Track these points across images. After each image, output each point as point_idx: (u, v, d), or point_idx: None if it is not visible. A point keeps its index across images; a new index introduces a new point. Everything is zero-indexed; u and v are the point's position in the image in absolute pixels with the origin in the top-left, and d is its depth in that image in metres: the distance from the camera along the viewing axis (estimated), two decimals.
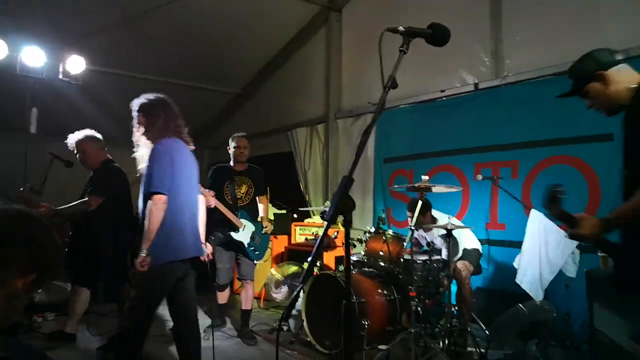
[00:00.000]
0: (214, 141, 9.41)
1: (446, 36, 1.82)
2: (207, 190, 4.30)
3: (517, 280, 3.84)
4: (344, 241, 4.93)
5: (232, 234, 4.49)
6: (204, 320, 5.07)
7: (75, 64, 5.50)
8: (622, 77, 2.08)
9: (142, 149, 3.12)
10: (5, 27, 5.31)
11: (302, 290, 4.33)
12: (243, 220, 4.57)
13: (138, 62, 6.94)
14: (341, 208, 1.60)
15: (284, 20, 7.02)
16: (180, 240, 2.98)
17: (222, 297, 4.80)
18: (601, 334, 3.23)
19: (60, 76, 5.41)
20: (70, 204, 4.12)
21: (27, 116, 5.01)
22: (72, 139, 4.24)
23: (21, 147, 4.84)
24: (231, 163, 4.76)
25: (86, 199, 4.12)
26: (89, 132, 4.29)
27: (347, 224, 1.68)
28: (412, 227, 3.91)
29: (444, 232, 3.86)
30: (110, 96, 6.24)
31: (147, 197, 2.89)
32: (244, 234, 4.54)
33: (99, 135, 4.32)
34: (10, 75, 5.26)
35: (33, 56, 5.21)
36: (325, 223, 1.59)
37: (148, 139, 3.09)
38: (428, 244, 4.55)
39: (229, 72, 7.88)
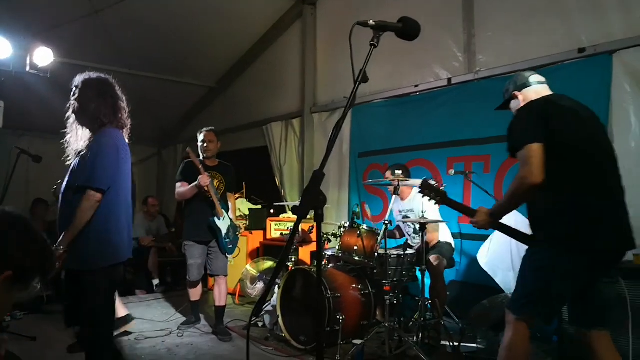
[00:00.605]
0: (188, 135, 9.30)
1: (416, 30, 1.82)
2: (201, 168, 4.37)
3: (482, 263, 3.90)
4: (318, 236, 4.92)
5: (215, 219, 4.45)
6: (178, 318, 5.05)
7: (43, 56, 5.34)
8: (529, 96, 2.64)
9: (79, 132, 2.79)
10: None
11: (277, 286, 4.32)
12: (224, 212, 4.54)
13: (108, 55, 6.78)
14: (312, 203, 1.60)
15: (258, 14, 6.95)
16: (119, 241, 2.73)
17: (195, 293, 4.75)
18: (569, 327, 3.30)
19: (28, 68, 5.24)
20: None
21: None
22: None
23: None
24: (201, 158, 4.68)
25: None
26: None
27: (319, 219, 1.68)
28: (386, 222, 3.93)
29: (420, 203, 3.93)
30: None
31: (78, 189, 2.59)
32: (222, 223, 4.51)
33: None
34: None
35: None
36: (296, 218, 1.58)
37: (90, 122, 2.75)
38: (405, 217, 4.59)
39: (202, 65, 7.78)
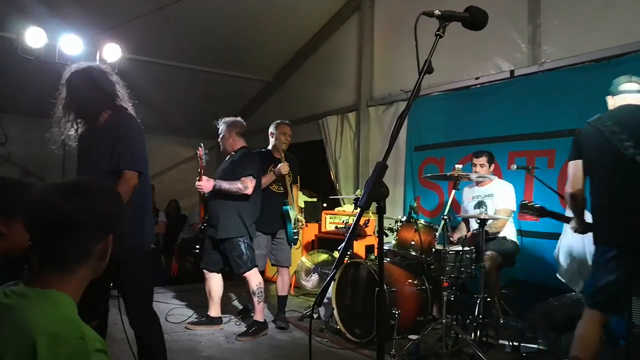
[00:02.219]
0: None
1: (484, 20, 1.78)
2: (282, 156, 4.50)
3: (558, 274, 3.76)
4: (374, 230, 4.96)
5: (289, 208, 4.53)
6: (237, 306, 5.18)
7: (112, 52, 5.61)
8: (618, 101, 2.91)
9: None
10: (44, 15, 5.43)
11: (333, 279, 4.35)
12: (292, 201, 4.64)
13: (170, 51, 7.01)
14: (375, 194, 1.59)
15: (315, 7, 6.98)
16: (151, 226, 2.81)
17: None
18: (639, 329, 3.14)
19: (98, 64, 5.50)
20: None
21: None
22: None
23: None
24: (269, 149, 4.73)
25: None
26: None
27: (380, 211, 1.67)
28: (445, 217, 3.86)
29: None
30: (145, 84, 6.35)
31: (110, 173, 2.55)
32: (292, 213, 4.60)
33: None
34: (49, 63, 5.40)
35: (71, 44, 5.35)
36: (358, 210, 1.58)
37: (91, 113, 2.70)
38: (480, 203, 4.46)
39: (259, 60, 7.89)
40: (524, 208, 3.24)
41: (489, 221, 4.12)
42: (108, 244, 1.35)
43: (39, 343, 1.08)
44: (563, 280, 3.76)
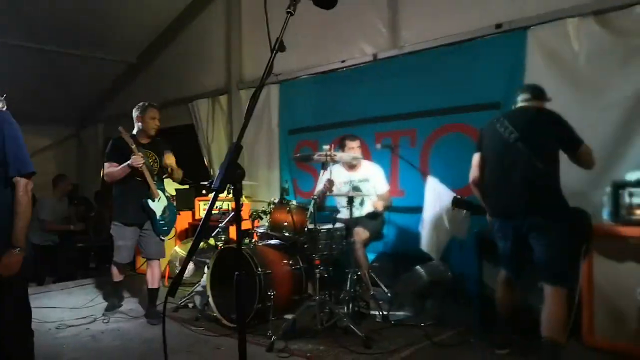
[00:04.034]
0: (109, 113, 8.84)
1: None
2: (134, 147, 4.09)
3: (421, 245, 4.02)
4: (250, 214, 4.87)
5: (149, 201, 4.26)
6: (101, 303, 4.84)
7: None
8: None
9: None
10: None
11: (206, 266, 4.24)
12: (160, 192, 4.35)
13: (13, 29, 6.26)
14: (230, 176, 1.54)
15: None
16: None
17: (117, 274, 4.53)
18: (488, 289, 3.50)
19: None
20: None
21: None
22: None
23: None
24: (134, 133, 4.37)
25: None
26: None
27: (237, 193, 1.62)
28: (315, 197, 3.94)
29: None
30: None
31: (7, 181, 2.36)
32: (157, 204, 4.32)
33: None
34: None
35: None
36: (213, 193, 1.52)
37: None
38: (355, 188, 4.45)
39: (120, 40, 7.36)
40: (457, 204, 3.73)
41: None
42: None
43: None
44: (426, 251, 4.03)
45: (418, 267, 3.96)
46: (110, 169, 4.25)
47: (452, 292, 4.04)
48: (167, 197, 4.53)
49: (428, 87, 4.71)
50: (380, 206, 4.38)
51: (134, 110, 4.41)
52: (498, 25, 4.21)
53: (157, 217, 4.33)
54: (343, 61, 5.36)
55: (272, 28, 1.69)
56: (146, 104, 4.40)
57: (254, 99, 1.64)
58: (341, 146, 4.51)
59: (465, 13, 4.48)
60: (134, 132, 4.38)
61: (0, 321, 2.39)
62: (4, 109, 2.50)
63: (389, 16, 5.06)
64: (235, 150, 1.55)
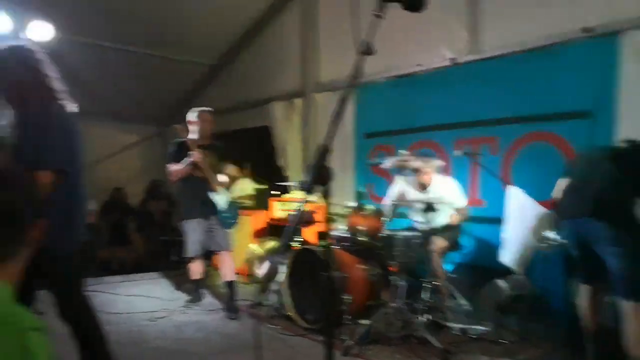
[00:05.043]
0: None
1: (422, 1, 1.78)
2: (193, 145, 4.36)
3: (500, 258, 3.90)
4: (324, 216, 4.91)
5: (210, 194, 4.47)
6: (184, 296, 5.08)
7: (42, 31, 5.25)
8: None
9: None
10: None
11: (283, 266, 4.34)
12: (221, 189, 4.54)
13: (106, 31, 6.67)
14: (319, 178, 1.57)
15: None
16: (79, 226, 2.63)
17: (195, 271, 4.76)
18: (575, 306, 3.34)
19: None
20: None
21: None
22: None
23: None
24: (193, 136, 4.58)
25: None
26: None
27: (326, 194, 1.65)
28: (393, 202, 3.93)
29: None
30: (80, 66, 6.01)
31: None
32: (219, 198, 4.52)
33: None
34: None
35: None
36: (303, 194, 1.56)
37: (12, 98, 2.48)
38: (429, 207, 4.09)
39: (203, 42, 7.62)
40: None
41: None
42: (40, 229, 1.29)
43: None
44: (507, 264, 3.90)
45: (499, 280, 3.84)
46: (173, 167, 4.52)
47: (536, 309, 3.89)
48: (227, 192, 4.70)
49: (510, 93, 4.56)
50: (456, 220, 4.30)
51: (188, 115, 4.66)
52: (587, 29, 3.99)
53: (220, 210, 4.51)
54: (420, 65, 5.29)
55: (348, 33, 1.70)
56: (200, 109, 4.69)
57: (342, 103, 1.66)
58: (416, 171, 4.38)
59: (550, 16, 4.28)
60: (193, 135, 4.59)
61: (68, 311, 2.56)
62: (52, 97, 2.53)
63: (469, 20, 4.93)
64: (323, 151, 1.58)
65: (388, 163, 4.08)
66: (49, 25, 5.26)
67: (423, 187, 4.43)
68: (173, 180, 4.65)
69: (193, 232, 4.54)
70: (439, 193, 4.37)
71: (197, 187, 4.50)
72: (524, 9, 4.48)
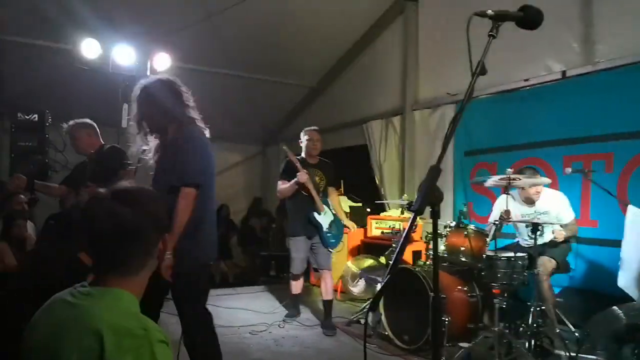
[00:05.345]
0: (290, 134, 9.55)
1: (539, 18, 1.74)
2: (299, 165, 4.51)
3: (619, 282, 3.59)
4: (422, 235, 4.87)
5: (315, 214, 4.56)
6: (282, 310, 5.22)
7: (162, 61, 5.77)
8: None
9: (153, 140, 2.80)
10: (98, 26, 5.65)
11: (379, 284, 4.32)
12: (325, 207, 4.64)
13: (217, 58, 7.17)
14: (430, 198, 1.57)
15: (359, 12, 6.97)
16: (213, 241, 2.81)
17: (296, 287, 4.89)
18: None
19: (148, 73, 5.66)
20: None
21: (120, 111, 5.34)
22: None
23: (114, 140, 5.12)
24: (303, 155, 4.80)
25: None
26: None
27: (435, 215, 1.65)
28: (495, 222, 3.77)
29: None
30: (192, 91, 6.49)
31: (171, 190, 2.58)
32: (323, 217, 4.61)
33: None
34: (103, 73, 5.62)
35: (124, 54, 5.53)
36: (411, 214, 1.56)
37: (161, 126, 2.74)
38: (535, 227, 3.79)
39: (304, 66, 7.94)
40: None
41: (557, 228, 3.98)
42: (165, 243, 1.39)
43: (105, 337, 1.12)
44: (624, 289, 3.58)
45: (615, 307, 3.51)
46: (281, 186, 4.69)
47: None
48: (333, 213, 4.76)
49: (627, 106, 4.21)
50: (561, 236, 4.01)
51: (301, 135, 4.82)
52: None
53: (324, 230, 4.60)
54: (526, 80, 5.07)
55: (452, 50, 1.68)
56: (306, 128, 4.83)
57: (454, 123, 1.65)
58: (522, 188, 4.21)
59: None
60: (303, 154, 4.76)
61: (187, 327, 2.68)
62: (193, 122, 2.79)
63: (582, 30, 4.65)
64: (435, 172, 1.58)
65: (491, 181, 3.95)
66: (167, 55, 5.76)
67: (530, 201, 4.23)
68: (280, 197, 4.86)
69: (297, 250, 4.68)
70: (546, 207, 4.16)
71: (303, 205, 4.64)
72: (639, 17, 4.16)
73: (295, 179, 4.52)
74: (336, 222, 4.75)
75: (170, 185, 2.58)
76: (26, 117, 5.72)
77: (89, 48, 5.48)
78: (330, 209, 4.74)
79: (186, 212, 2.54)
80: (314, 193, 4.56)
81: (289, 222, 4.84)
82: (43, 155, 5.64)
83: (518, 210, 4.31)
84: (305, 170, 4.54)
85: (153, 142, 2.80)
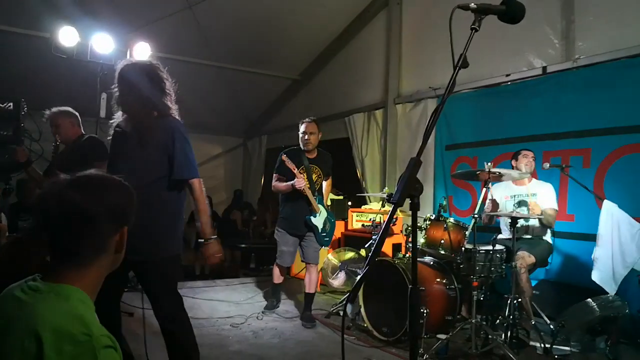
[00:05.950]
0: (272, 126, 9.51)
1: (521, 12, 1.75)
2: (297, 171, 4.40)
3: (593, 276, 3.66)
4: (402, 228, 4.88)
5: (311, 218, 4.54)
6: (261, 302, 5.21)
7: (141, 51, 5.67)
8: None
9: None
10: (76, 15, 5.54)
11: (359, 276, 4.33)
12: (320, 206, 4.62)
13: (198, 49, 7.09)
14: (409, 190, 1.57)
15: (342, 4, 6.96)
16: (182, 231, 2.87)
17: (279, 276, 4.87)
18: None
19: None
20: None
21: (97, 101, 5.24)
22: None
23: (92, 130, 5.03)
24: (302, 147, 4.62)
25: None
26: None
27: (414, 208, 1.65)
28: (475, 216, 3.80)
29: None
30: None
31: (182, 182, 2.60)
32: (319, 219, 4.59)
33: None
34: (82, 62, 5.50)
35: (102, 43, 5.42)
36: (390, 207, 1.56)
37: (157, 107, 2.58)
38: (521, 202, 4.19)
39: (286, 58, 7.90)
40: None
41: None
42: (123, 236, 1.32)
43: (45, 342, 1.06)
44: (598, 283, 3.65)
45: (589, 299, 3.60)
46: (276, 182, 4.61)
47: (629, 332, 3.59)
48: (326, 209, 4.74)
49: (605, 103, 4.29)
50: (538, 210, 4.05)
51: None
52: None
53: (319, 231, 4.58)
54: (508, 75, 5.12)
55: (435, 44, 1.68)
56: (306, 119, 4.64)
57: (435, 116, 1.66)
58: (515, 157, 4.33)
59: None
60: (301, 146, 4.65)
61: (168, 318, 2.64)
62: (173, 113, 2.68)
63: (563, 26, 4.71)
64: (414, 165, 1.58)
65: (478, 174, 3.97)
66: (146, 44, 5.67)
67: (520, 181, 4.36)
68: (274, 192, 4.78)
69: (287, 243, 4.63)
70: (535, 190, 4.27)
71: (298, 204, 4.55)
72: (620, 14, 4.23)
73: (292, 182, 4.39)
74: (329, 219, 4.73)
75: (159, 176, 2.54)
76: (1, 105, 5.56)
77: (67, 36, 5.36)
78: (323, 206, 4.71)
79: (204, 203, 2.67)
80: (310, 197, 4.49)
81: (281, 215, 4.74)
82: (18, 144, 5.50)
83: (507, 191, 4.40)
84: (302, 176, 4.44)
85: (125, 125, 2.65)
